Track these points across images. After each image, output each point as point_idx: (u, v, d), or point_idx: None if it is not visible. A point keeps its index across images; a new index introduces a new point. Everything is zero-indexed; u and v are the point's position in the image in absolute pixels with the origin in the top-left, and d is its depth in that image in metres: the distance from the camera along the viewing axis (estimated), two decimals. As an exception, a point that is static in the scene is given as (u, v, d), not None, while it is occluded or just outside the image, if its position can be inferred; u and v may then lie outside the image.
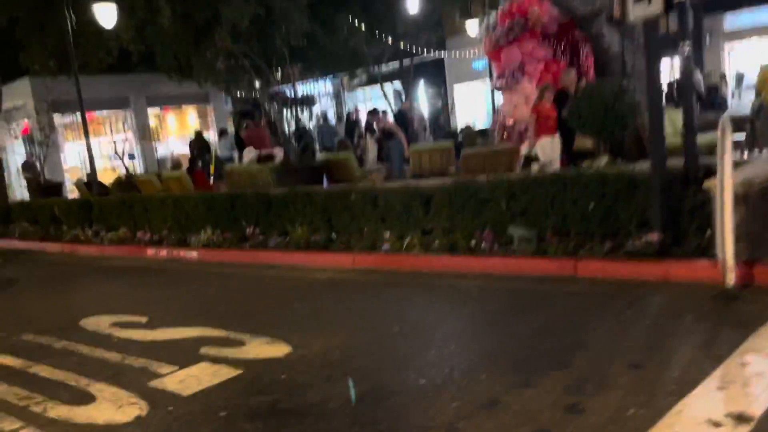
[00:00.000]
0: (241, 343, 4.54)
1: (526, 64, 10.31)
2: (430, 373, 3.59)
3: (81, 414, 3.57)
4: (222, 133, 18.82)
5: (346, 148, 11.72)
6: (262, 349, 4.38)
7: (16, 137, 21.75)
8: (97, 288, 7.50)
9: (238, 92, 22.36)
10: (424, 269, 6.23)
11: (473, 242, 6.21)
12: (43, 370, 4.41)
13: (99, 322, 5.61)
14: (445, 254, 6.34)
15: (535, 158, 8.49)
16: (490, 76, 14.29)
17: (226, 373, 3.97)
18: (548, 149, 8.57)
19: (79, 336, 5.24)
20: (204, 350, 4.46)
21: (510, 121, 10.53)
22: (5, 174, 17.65)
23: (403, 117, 15.30)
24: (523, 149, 8.87)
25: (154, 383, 3.93)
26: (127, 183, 13.23)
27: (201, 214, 9.27)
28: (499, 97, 13.26)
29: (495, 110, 14.35)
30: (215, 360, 4.22)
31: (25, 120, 21.66)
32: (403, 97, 21.49)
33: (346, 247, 7.28)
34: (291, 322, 5.03)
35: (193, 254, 8.74)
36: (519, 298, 5.02)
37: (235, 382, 3.82)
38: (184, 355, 4.41)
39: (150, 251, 9.38)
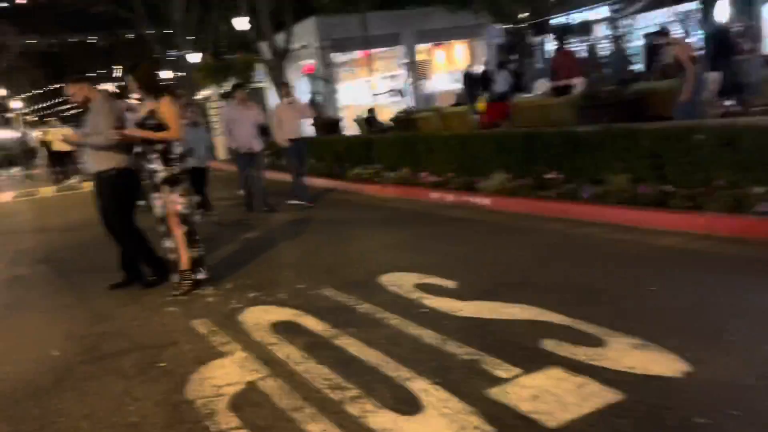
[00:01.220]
0: (598, 342, 3.29)
1: None
2: None
3: (409, 430, 2.67)
4: (501, 65, 17.44)
5: (665, 76, 9.54)
6: (636, 358, 3.07)
7: (300, 76, 22.97)
8: (385, 234, 6.87)
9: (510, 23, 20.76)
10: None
11: None
12: (352, 345, 3.68)
13: (400, 282, 4.83)
14: None
15: None
16: None
17: (599, 394, 2.76)
18: None
19: (381, 298, 4.50)
20: (548, 345, 3.30)
21: None
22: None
23: (723, 38, 12.29)
24: None
25: (494, 392, 2.88)
26: (405, 120, 12.77)
27: (490, 156, 8.17)
28: None
29: None
30: (572, 367, 3.04)
31: (308, 60, 22.80)
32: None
33: (693, 206, 5.56)
34: (656, 316, 3.63)
35: (485, 201, 7.71)
36: None
37: (619, 417, 2.58)
38: (522, 349, 3.31)
39: (434, 194, 8.60)
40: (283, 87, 9.08)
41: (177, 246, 5.16)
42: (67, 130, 17.57)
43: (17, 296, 5.76)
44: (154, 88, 5.06)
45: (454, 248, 5.89)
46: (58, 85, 50.06)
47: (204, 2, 22.72)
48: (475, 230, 6.62)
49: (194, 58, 23.25)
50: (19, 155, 40.80)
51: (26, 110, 53.73)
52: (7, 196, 17.21)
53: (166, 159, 5.00)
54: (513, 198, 7.39)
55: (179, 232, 5.11)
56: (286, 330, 4.08)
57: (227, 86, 17.30)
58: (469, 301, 4.21)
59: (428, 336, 3.67)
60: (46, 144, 19.08)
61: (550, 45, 24.59)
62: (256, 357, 3.68)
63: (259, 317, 4.41)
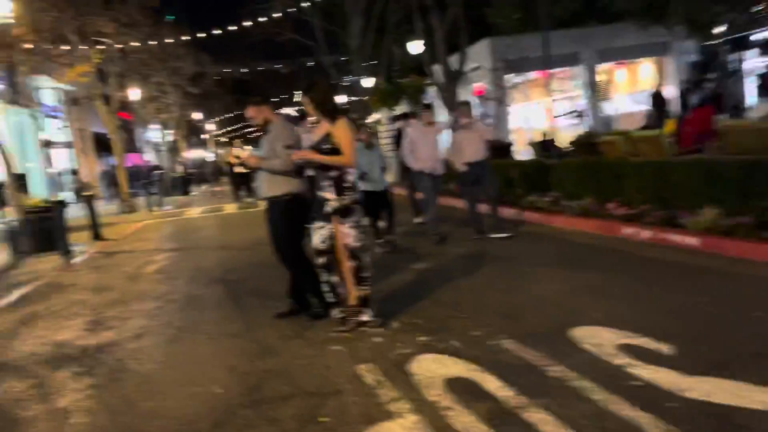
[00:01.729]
0: None
1: None
2: None
3: None
4: (697, 84, 15.64)
5: None
6: None
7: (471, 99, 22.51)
8: (572, 275, 6.03)
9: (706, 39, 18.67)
10: None
11: None
12: (546, 422, 2.98)
13: (598, 339, 4.03)
14: None
15: None
16: None
17: None
18: None
19: (576, 359, 3.74)
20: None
21: None
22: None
23: None
24: None
25: None
26: (586, 144, 11.73)
27: (696, 187, 7.00)
28: None
29: None
30: None
31: (479, 82, 22.30)
32: None
33: None
34: None
35: (692, 241, 6.56)
36: None
37: None
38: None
39: (627, 230, 7.56)
40: (463, 107, 8.51)
41: (344, 281, 4.79)
42: (242, 152, 18.62)
43: (191, 319, 5.76)
44: (329, 110, 4.73)
45: (661, 298, 4.92)
46: (240, 113, 54.67)
47: (379, 29, 23.22)
48: (684, 276, 5.57)
49: (368, 82, 23.84)
50: (209, 174, 44.75)
51: (218, 132, 59.20)
52: (196, 211, 18.63)
53: (339, 187, 4.64)
54: (729, 239, 6.19)
55: (348, 266, 4.73)
56: (463, 390, 3.48)
57: (400, 108, 17.38)
58: (696, 376, 3.32)
59: (647, 423, 2.87)
60: (229, 163, 20.31)
61: (753, 62, 21.87)
62: (429, 423, 3.12)
63: (431, 369, 3.85)
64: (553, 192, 9.94)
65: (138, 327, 5.56)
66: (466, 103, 8.66)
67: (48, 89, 28.21)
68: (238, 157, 5.10)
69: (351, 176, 4.72)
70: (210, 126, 55.81)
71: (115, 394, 4.02)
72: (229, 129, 61.00)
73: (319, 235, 4.71)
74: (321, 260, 4.75)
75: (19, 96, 20.50)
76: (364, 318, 4.79)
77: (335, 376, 3.93)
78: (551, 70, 22.76)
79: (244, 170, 18.27)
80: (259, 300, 6.14)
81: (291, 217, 4.98)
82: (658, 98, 17.05)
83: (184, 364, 4.47)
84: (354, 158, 4.66)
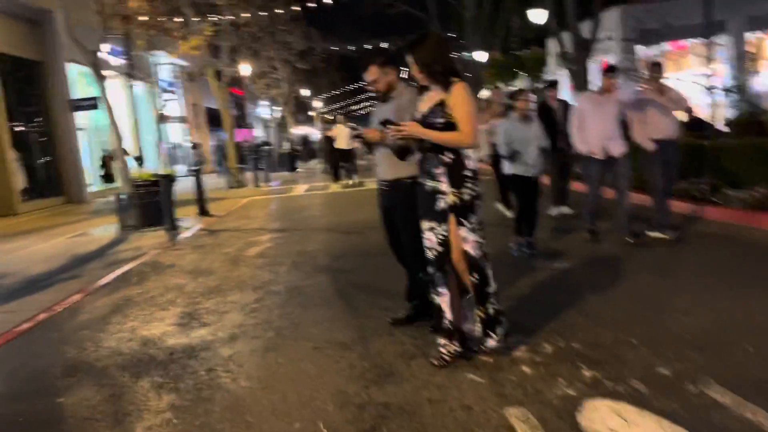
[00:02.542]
0: None
1: None
2: None
3: None
4: None
5: None
6: None
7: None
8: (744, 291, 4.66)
9: None
10: None
11: None
12: None
13: None
14: None
15: None
16: None
17: None
18: None
19: None
20: None
21: None
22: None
23: None
24: None
25: None
26: (750, 123, 9.94)
27: None
28: None
29: None
30: None
31: (606, 55, 20.27)
32: None
33: None
34: None
35: None
36: None
37: None
38: None
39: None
40: (653, 67, 6.71)
41: (461, 298, 3.70)
42: (342, 129, 17.69)
43: (292, 318, 4.95)
44: (442, 71, 3.51)
45: None
46: (351, 87, 54.44)
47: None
48: None
49: (482, 56, 22.41)
50: (318, 150, 44.96)
51: (324, 110, 59.54)
52: (301, 189, 18.20)
53: (457, 176, 3.53)
54: None
55: (468, 281, 3.62)
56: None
57: (519, 83, 15.96)
58: None
59: None
60: (329, 140, 19.57)
61: None
62: None
63: (612, 427, 2.76)
64: (707, 178, 8.39)
65: (234, 325, 4.82)
66: (657, 65, 6.81)
67: (165, 65, 29.01)
68: (355, 128, 4.07)
69: (472, 161, 3.59)
70: (317, 103, 56.14)
71: (198, 420, 3.23)
72: (334, 106, 61.24)
73: (427, 238, 3.67)
74: (435, 273, 3.69)
75: (137, 70, 20.91)
76: (491, 344, 3.67)
77: (478, 424, 2.92)
78: (691, 40, 20.42)
79: (349, 147, 17.59)
80: (370, 297, 5.24)
81: (414, 205, 3.96)
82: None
83: (283, 384, 3.62)
84: (475, 135, 3.49)
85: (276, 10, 20.60)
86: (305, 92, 49.22)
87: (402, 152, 3.98)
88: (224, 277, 6.60)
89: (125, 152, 12.02)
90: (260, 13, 19.77)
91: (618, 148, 6.50)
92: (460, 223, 3.53)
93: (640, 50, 20.02)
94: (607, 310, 4.40)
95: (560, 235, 7.37)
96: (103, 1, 11.39)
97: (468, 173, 3.53)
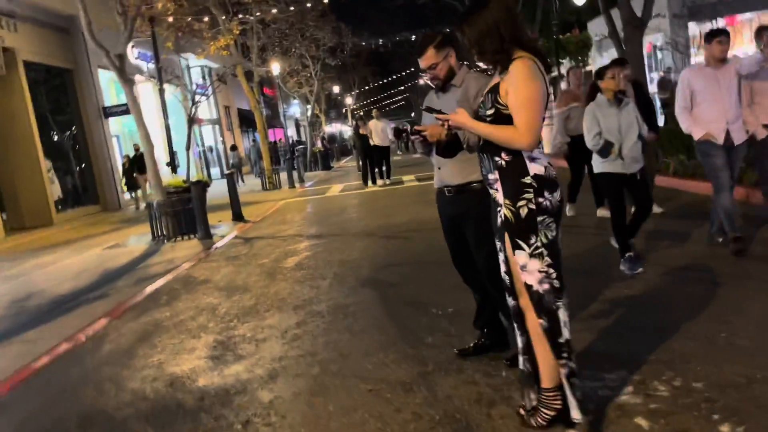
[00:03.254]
0: None
1: None
2: None
3: None
4: None
5: None
6: None
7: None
8: None
9: None
10: None
11: None
12: None
13: None
14: None
15: None
16: None
17: None
18: None
19: None
20: None
21: None
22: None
23: None
24: None
25: None
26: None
27: None
28: None
29: None
30: None
31: (654, 34, 19.11)
32: None
33: None
34: None
35: None
36: None
37: None
38: None
39: None
40: (764, 32, 5.38)
41: (532, 346, 2.82)
42: (377, 125, 15.74)
43: (339, 347, 4.28)
44: (499, 47, 2.65)
45: None
46: (383, 81, 53.76)
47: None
48: None
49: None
50: (351, 148, 44.41)
51: (356, 106, 59.00)
52: (337, 188, 17.59)
53: (512, 183, 2.67)
54: None
55: (533, 323, 2.75)
56: None
57: (564, 67, 15.01)
58: None
59: None
60: (363, 138, 17.24)
61: None
62: None
63: None
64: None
65: (273, 357, 4.17)
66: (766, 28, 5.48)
67: (196, 67, 28.73)
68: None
69: (539, 163, 2.67)
70: (348, 99, 55.63)
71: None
72: (365, 102, 60.61)
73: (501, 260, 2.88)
74: (512, 302, 2.87)
75: (167, 73, 20.57)
76: (575, 417, 2.67)
77: None
78: (744, 15, 19.12)
79: (385, 144, 16.32)
80: (427, 318, 4.55)
81: (488, 215, 3.22)
82: None
83: (335, 442, 2.95)
84: (534, 132, 2.59)
85: (306, 4, 19.97)
86: (336, 89, 48.74)
87: (448, 149, 3.29)
88: (261, 295, 5.98)
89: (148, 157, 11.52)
90: (290, 8, 19.17)
91: (741, 134, 5.23)
92: (516, 246, 2.68)
93: (692, 28, 18.81)
94: (725, 336, 3.61)
95: (657, 240, 6.41)
96: (126, 2, 10.89)
97: (528, 180, 2.64)
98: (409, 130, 3.49)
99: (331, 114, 60.74)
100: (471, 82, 3.37)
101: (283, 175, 21.40)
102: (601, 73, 5.28)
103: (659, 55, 20.09)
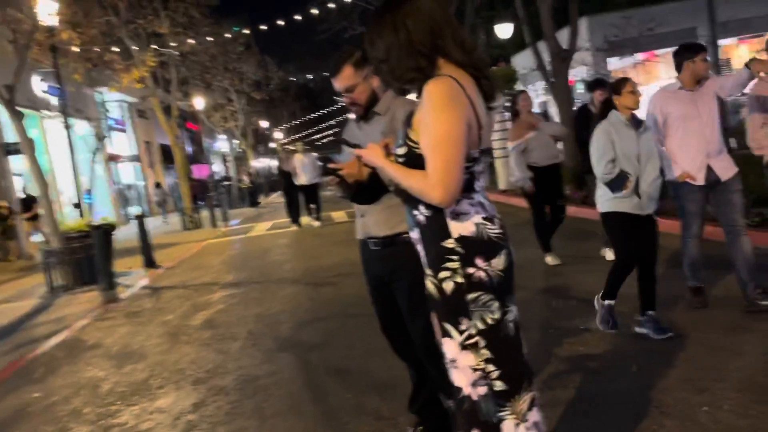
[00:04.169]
0: None
1: None
2: None
3: None
4: None
5: None
6: None
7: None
8: None
9: None
10: None
11: None
12: None
13: None
14: None
15: None
16: None
17: None
18: None
19: None
20: None
21: None
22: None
23: None
24: None
25: None
26: None
27: None
28: None
29: None
30: None
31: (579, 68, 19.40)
32: None
33: None
34: None
35: None
36: None
37: None
38: None
39: None
40: None
41: None
42: (301, 161, 14.01)
43: (244, 436, 3.43)
44: (416, 63, 1.94)
45: None
46: (313, 115, 53.20)
47: (457, 15, 20.73)
48: None
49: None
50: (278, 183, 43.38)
51: (285, 141, 58.13)
52: (263, 227, 16.64)
53: (434, 247, 1.97)
54: None
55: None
56: None
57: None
58: None
59: None
60: (286, 175, 15.26)
61: None
62: None
63: None
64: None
65: (157, 458, 3.28)
66: None
67: (113, 102, 27.22)
68: (326, 160, 2.46)
69: (465, 221, 1.94)
70: (277, 134, 54.76)
71: None
72: (296, 137, 59.87)
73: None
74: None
75: (76, 108, 19.19)
76: None
77: None
78: (660, 51, 19.70)
79: (311, 182, 14.87)
80: (354, 393, 3.76)
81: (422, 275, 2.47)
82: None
83: None
84: (450, 184, 1.84)
85: (225, 35, 19.15)
86: (264, 123, 47.82)
87: (367, 194, 2.59)
88: (157, 364, 5.03)
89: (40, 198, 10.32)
90: (207, 38, 18.31)
91: (727, 168, 4.30)
92: (444, 332, 1.99)
93: (612, 63, 19.22)
94: (707, 411, 3.00)
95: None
96: (17, 29, 9.79)
97: (451, 244, 1.91)
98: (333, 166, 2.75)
99: (260, 149, 59.62)
100: (398, 109, 2.68)
101: (207, 214, 20.23)
102: (618, 87, 4.10)
103: (580, 88, 20.42)
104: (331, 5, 18.96)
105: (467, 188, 1.95)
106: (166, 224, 22.11)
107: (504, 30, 17.01)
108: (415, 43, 1.93)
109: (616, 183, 3.99)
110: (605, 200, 4.14)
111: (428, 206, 1.96)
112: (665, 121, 4.36)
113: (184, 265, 11.18)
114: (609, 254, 6.17)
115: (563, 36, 13.57)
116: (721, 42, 19.46)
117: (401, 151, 2.01)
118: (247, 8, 58.18)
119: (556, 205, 6.61)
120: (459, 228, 1.93)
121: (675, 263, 5.24)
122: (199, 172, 37.06)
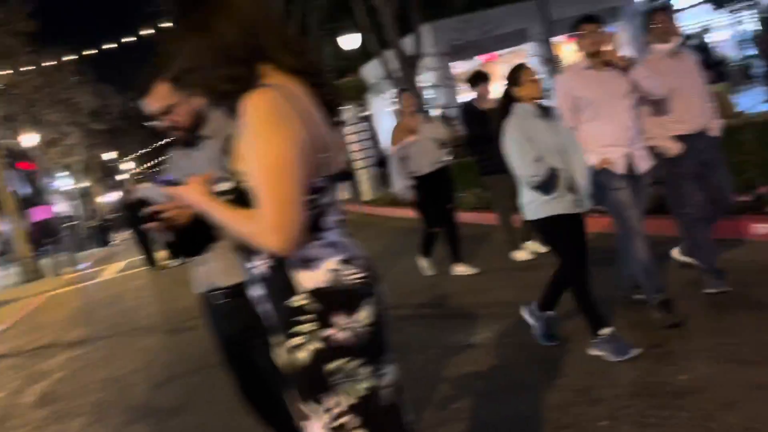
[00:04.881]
0: None
1: None
2: None
3: None
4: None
5: None
6: None
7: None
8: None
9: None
10: None
11: None
12: None
13: None
14: None
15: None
16: None
17: None
18: None
19: None
20: None
21: None
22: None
23: None
24: None
25: None
26: None
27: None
28: None
29: None
30: None
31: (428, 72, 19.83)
32: None
33: None
34: None
35: None
36: None
37: None
38: None
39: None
40: (659, 15, 3.94)
41: None
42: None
43: None
44: (231, 72, 1.47)
45: None
46: (159, 144, 50.59)
47: (302, 28, 20.43)
48: None
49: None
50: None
51: (137, 171, 54.76)
52: (116, 269, 15.23)
53: (282, 308, 1.50)
54: None
55: None
56: None
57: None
58: None
59: None
60: (131, 208, 13.13)
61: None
62: None
63: None
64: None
65: None
66: (664, 10, 4.10)
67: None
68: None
69: (319, 268, 1.48)
70: (127, 165, 51.37)
71: None
72: (147, 166, 56.60)
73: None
74: None
75: None
76: None
77: None
78: (499, 52, 20.63)
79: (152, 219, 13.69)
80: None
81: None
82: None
83: None
84: (287, 225, 1.38)
85: (48, 63, 17.35)
86: (111, 155, 44.61)
87: (191, 242, 2.12)
88: (-24, 465, 4.12)
89: None
90: (22, 69, 16.47)
91: (645, 159, 3.80)
92: (305, 416, 1.56)
93: (453, 66, 19.87)
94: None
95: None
96: None
97: (300, 301, 1.48)
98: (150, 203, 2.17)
99: (110, 182, 55.71)
100: (234, 129, 2.19)
101: (50, 261, 18.25)
102: (515, 77, 3.55)
103: (430, 93, 20.93)
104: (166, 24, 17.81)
105: (314, 227, 1.50)
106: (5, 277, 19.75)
107: (349, 41, 16.90)
108: (227, 47, 1.48)
109: (549, 183, 3.38)
110: (536, 206, 3.50)
111: (268, 255, 1.49)
112: (577, 102, 3.74)
113: (19, 325, 9.79)
114: (460, 269, 5.95)
115: (408, 43, 13.67)
116: (553, 39, 20.72)
117: (225, 186, 1.55)
118: (73, 34, 54.05)
119: (446, 209, 6.08)
120: (309, 279, 1.48)
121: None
122: (39, 214, 33.77)
